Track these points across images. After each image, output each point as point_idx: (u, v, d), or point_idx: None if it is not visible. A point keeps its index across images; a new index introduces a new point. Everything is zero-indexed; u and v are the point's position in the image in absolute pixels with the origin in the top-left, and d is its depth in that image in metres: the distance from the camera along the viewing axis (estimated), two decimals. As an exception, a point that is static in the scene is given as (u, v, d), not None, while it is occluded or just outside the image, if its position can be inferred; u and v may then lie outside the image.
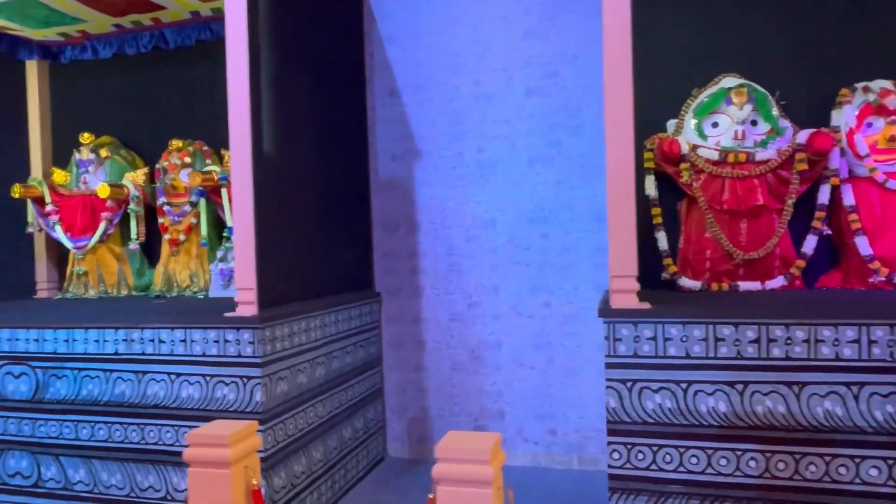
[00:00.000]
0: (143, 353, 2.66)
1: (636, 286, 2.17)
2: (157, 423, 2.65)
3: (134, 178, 3.87)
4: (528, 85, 3.48)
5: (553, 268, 3.47)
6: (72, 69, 4.18)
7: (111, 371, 2.70)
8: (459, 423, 3.63)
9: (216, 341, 2.55)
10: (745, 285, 2.92)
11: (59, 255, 4.24)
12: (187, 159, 3.76)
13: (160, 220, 3.82)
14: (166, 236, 3.80)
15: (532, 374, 3.50)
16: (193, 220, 3.73)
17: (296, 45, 3.01)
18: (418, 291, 3.70)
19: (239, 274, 2.55)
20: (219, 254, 3.61)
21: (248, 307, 2.53)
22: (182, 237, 3.75)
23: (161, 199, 3.80)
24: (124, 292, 3.94)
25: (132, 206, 3.81)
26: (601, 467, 3.40)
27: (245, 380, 2.51)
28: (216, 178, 3.43)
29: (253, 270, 2.52)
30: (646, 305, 2.15)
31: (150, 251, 4.00)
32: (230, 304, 2.76)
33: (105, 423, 2.72)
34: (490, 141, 3.55)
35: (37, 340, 2.82)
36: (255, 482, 1.75)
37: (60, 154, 4.23)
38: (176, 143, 3.79)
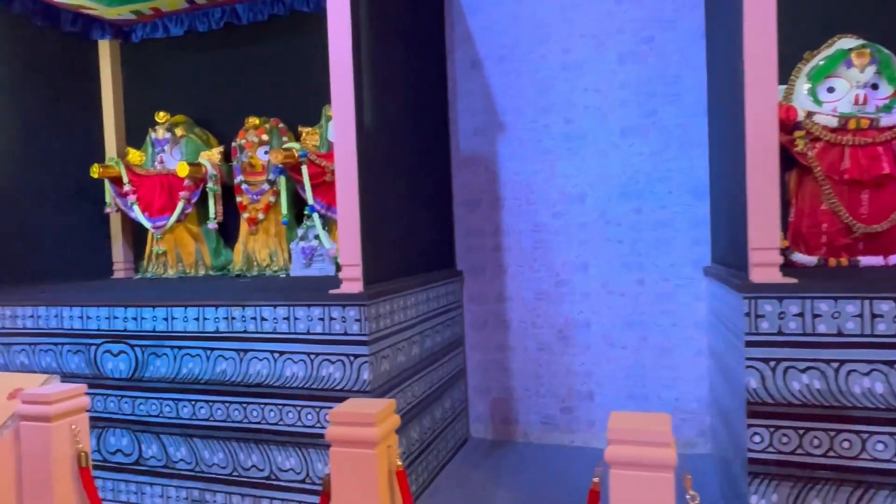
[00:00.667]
0: (244, 332, 2.62)
1: (779, 259, 2.03)
2: (259, 401, 2.61)
3: (210, 157, 3.83)
4: (620, 51, 3.31)
5: (647, 244, 3.33)
6: (143, 48, 4.15)
7: (212, 349, 2.67)
8: (545, 404, 3.54)
9: (321, 319, 2.49)
10: (865, 260, 2.76)
11: (134, 236, 4.25)
12: (264, 137, 3.70)
13: (238, 199, 3.77)
14: (245, 215, 3.75)
15: (623, 355, 3.39)
16: (272, 199, 3.67)
17: (389, 17, 2.90)
18: (502, 270, 3.60)
19: (344, 250, 2.47)
20: (299, 232, 3.56)
21: (353, 284, 2.46)
22: (261, 216, 3.71)
23: (238, 178, 3.76)
24: (202, 272, 3.93)
25: (210, 184, 3.78)
26: (698, 450, 3.29)
27: (351, 358, 2.45)
28: (297, 155, 3.36)
29: (358, 246, 2.45)
30: (791, 280, 2.01)
31: (225, 230, 3.97)
32: (316, 282, 2.69)
33: (206, 401, 2.70)
34: (579, 112, 3.40)
35: (135, 319, 2.80)
36: (398, 462, 1.68)
37: (133, 134, 4.22)
38: (252, 120, 3.73)
